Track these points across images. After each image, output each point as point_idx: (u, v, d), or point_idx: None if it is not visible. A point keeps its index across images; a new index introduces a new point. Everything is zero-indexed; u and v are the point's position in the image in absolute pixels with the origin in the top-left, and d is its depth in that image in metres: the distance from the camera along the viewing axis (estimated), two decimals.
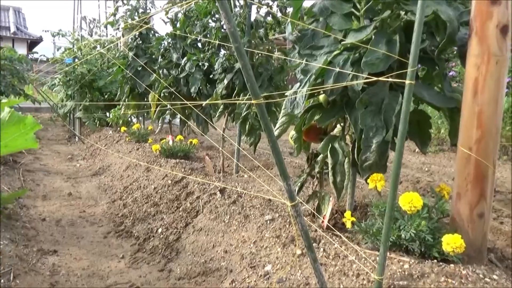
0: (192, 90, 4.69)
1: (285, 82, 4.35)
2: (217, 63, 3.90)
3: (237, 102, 3.66)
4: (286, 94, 2.19)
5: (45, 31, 8.74)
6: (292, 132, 2.35)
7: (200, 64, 4.75)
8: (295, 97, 2.03)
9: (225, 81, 3.85)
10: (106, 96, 8.31)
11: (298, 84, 2.07)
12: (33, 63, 10.25)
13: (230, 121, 4.27)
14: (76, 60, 8.25)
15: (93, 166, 5.49)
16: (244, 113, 3.68)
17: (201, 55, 4.46)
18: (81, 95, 8.02)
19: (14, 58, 7.10)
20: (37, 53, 9.53)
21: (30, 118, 0.95)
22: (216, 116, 4.19)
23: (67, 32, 8.67)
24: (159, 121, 5.60)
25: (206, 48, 4.47)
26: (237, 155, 4.20)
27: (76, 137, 8.00)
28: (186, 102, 4.29)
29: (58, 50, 8.75)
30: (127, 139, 5.95)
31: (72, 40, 8.50)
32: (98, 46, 8.58)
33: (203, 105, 4.50)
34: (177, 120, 6.98)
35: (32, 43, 20.30)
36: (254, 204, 2.67)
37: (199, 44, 5.16)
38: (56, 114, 8.83)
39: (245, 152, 3.12)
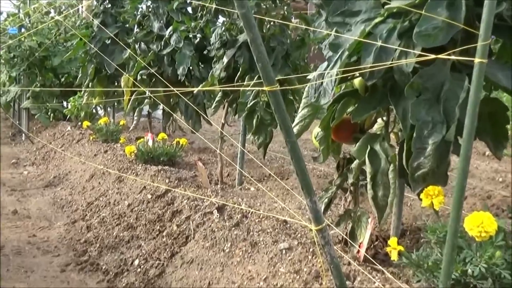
0: (180, 71, 4.72)
1: (306, 61, 4.37)
2: (213, 35, 3.92)
3: (241, 88, 3.68)
4: (308, 77, 2.19)
5: None
6: (316, 130, 2.36)
7: (190, 36, 4.78)
8: (321, 82, 2.03)
9: (225, 60, 3.87)
10: (63, 80, 8.39)
11: (325, 63, 2.07)
12: None
13: (232, 114, 4.30)
14: (23, 30, 8.34)
15: (46, 175, 5.55)
16: (251, 103, 3.70)
17: (192, 24, 4.48)
18: (29, 78, 8.11)
19: None
20: None
21: None
22: (212, 107, 4.22)
23: None
24: (135, 114, 5.65)
25: (199, 15, 4.50)
26: (240, 160, 4.22)
27: (23, 135, 8.09)
28: (171, 88, 4.32)
29: None
30: (91, 137, 6.00)
31: (17, 3, 8.59)
32: (52, 11, 8.67)
33: (195, 92, 4.53)
34: (159, 113, 7.04)
35: None
36: (265, 228, 2.68)
37: (189, 9, 5.20)
38: None
39: (251, 156, 3.14)
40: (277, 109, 1.31)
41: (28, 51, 7.85)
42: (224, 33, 3.86)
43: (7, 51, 8.00)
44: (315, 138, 2.35)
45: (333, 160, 2.63)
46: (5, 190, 4.95)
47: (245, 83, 3.74)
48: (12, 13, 8.83)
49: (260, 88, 1.35)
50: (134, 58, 5.25)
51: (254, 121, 3.73)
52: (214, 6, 4.04)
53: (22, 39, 7.95)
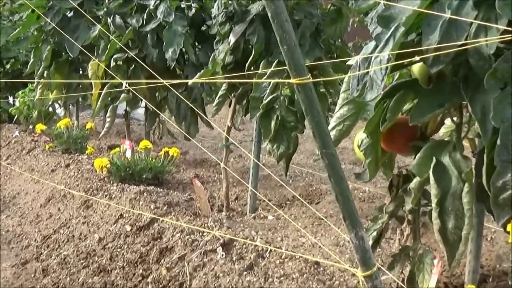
0: (169, 55, 4.75)
1: (343, 39, 4.37)
2: (216, 5, 3.96)
3: (254, 81, 3.69)
4: (348, 62, 2.19)
5: None
6: (360, 135, 2.35)
7: (183, 6, 4.81)
8: (367, 69, 2.03)
9: (232, 39, 3.89)
10: (8, 67, 8.51)
11: (372, 43, 2.07)
12: None
13: (241, 113, 4.30)
14: None
15: None
16: (268, 99, 3.71)
17: None
18: None
19: None
20: None
21: None
22: (214, 104, 4.23)
23: None
24: (107, 114, 5.68)
25: None
26: (253, 178, 4.22)
27: None
28: (157, 78, 4.34)
29: None
30: (47, 146, 6.06)
31: None
32: None
33: (189, 83, 4.56)
34: (139, 112, 7.07)
35: None
36: (289, 272, 2.68)
37: None
38: None
39: (267, 171, 3.15)
40: (310, 109, 1.32)
41: None
42: (230, 2, 3.87)
43: None
44: (359, 147, 2.34)
45: (383, 178, 2.62)
46: None
47: (259, 71, 3.75)
48: None
49: (284, 80, 1.33)
50: (106, 36, 5.29)
51: (273, 123, 3.73)
52: None
53: None
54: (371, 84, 2.01)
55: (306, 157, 8.05)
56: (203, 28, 5.26)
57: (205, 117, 5.24)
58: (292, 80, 1.33)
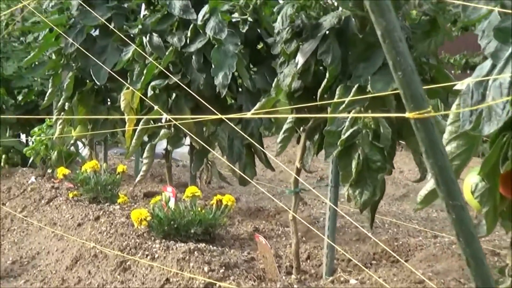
0: (219, 80, 4.79)
1: (438, 57, 4.34)
2: (279, 18, 3.99)
3: (329, 116, 3.69)
4: (457, 86, 2.19)
5: None
6: (472, 178, 2.34)
7: (237, 21, 4.87)
8: (482, 95, 2.03)
9: (299, 59, 3.91)
10: (20, 99, 8.69)
11: (488, 63, 2.07)
12: None
13: (312, 151, 4.30)
14: None
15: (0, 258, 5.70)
16: (347, 134, 3.70)
17: (241, 1, 4.59)
18: None
19: None
20: None
21: None
22: (279, 140, 4.24)
23: None
24: (144, 155, 5.76)
25: None
26: (330, 231, 4.20)
27: None
28: (206, 109, 4.39)
29: None
30: (71, 194, 6.16)
31: None
32: None
33: (248, 115, 4.59)
34: (182, 151, 7.08)
35: None
36: None
37: None
38: None
39: (349, 219, 3.15)
40: (431, 150, 1.33)
41: None
42: (297, 13, 3.91)
43: None
44: (472, 192, 2.33)
45: (501, 230, 2.59)
46: None
47: (335, 99, 3.75)
48: None
49: (400, 115, 1.32)
50: (142, 59, 5.40)
51: (354, 163, 3.71)
52: None
53: None
54: (489, 114, 2.01)
55: (387, 203, 7.98)
56: (259, 47, 5.31)
57: (265, 156, 5.27)
58: (408, 114, 1.34)
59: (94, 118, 6.64)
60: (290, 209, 4.09)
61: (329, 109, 3.87)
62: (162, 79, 5.19)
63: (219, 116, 3.57)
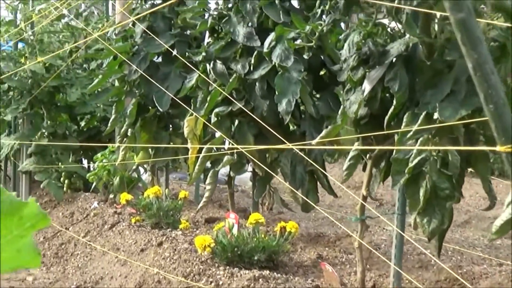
0: (283, 106, 4.80)
1: (508, 84, 4.27)
2: (346, 46, 4.00)
3: (397, 147, 3.68)
4: None
5: None
6: None
7: (301, 47, 4.90)
8: None
9: (366, 87, 3.91)
10: (83, 125, 8.82)
11: None
12: None
13: (378, 179, 4.28)
14: (23, 46, 8.90)
15: (64, 282, 5.80)
16: (415, 161, 3.69)
17: (307, 28, 4.62)
18: (32, 123, 8.65)
19: None
20: None
21: (32, 206, 1.10)
22: (345, 168, 4.24)
23: None
24: (207, 181, 5.79)
25: (317, 12, 4.62)
26: (397, 260, 4.18)
27: None
28: (269, 135, 4.41)
29: None
30: (133, 220, 6.22)
31: (15, 3, 9.18)
32: (67, 12, 9.17)
33: (313, 143, 4.59)
34: (243, 178, 7.11)
35: None
36: None
37: (294, 3, 5.36)
38: None
39: (416, 244, 3.13)
40: None
41: (30, 80, 8.34)
42: (364, 41, 3.92)
43: None
44: None
45: None
46: None
47: (403, 125, 3.74)
48: (2, 19, 9.41)
49: (491, 148, 1.32)
50: (205, 86, 5.45)
51: (422, 191, 3.69)
52: None
53: (22, 60, 8.52)
54: None
55: (449, 229, 7.82)
56: (323, 73, 5.33)
57: (327, 182, 5.27)
58: (500, 148, 1.34)
59: (156, 142, 6.71)
60: (356, 236, 4.07)
61: (395, 137, 3.85)
62: (226, 106, 5.24)
63: (288, 145, 3.58)
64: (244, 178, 8.52)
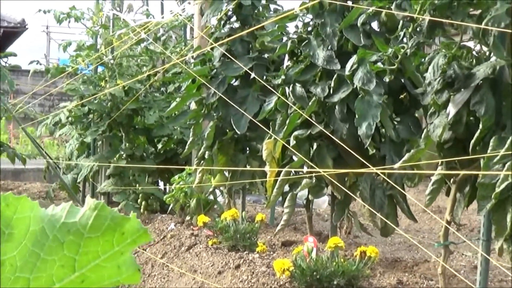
0: (363, 130, 4.77)
1: None
2: (431, 68, 3.98)
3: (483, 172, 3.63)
4: None
5: (38, 11, 9.64)
6: None
7: (380, 70, 4.90)
8: None
9: (451, 110, 3.88)
10: (160, 147, 8.94)
11: None
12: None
13: (462, 204, 4.23)
14: (102, 70, 9.12)
15: None
16: (502, 186, 3.63)
17: (389, 51, 4.61)
18: (110, 146, 8.88)
19: None
20: (15, 55, 10.14)
21: (134, 221, 1.12)
22: (428, 192, 4.21)
23: (82, 12, 9.39)
24: (286, 204, 5.79)
25: (401, 34, 4.61)
26: (482, 286, 4.11)
27: None
28: (348, 159, 4.39)
29: (63, 48, 9.64)
30: (210, 242, 6.26)
31: (96, 28, 9.41)
32: (144, 35, 9.34)
33: (395, 167, 4.57)
34: (319, 202, 7.09)
35: (7, 35, 23.32)
36: None
37: (374, 25, 5.36)
38: (57, 184, 9.74)
39: (506, 271, 3.09)
40: None
41: (110, 103, 8.55)
42: (449, 64, 3.90)
43: (78, 105, 8.70)
44: None
45: None
46: None
47: (489, 150, 3.70)
48: (83, 44, 9.55)
49: None
50: (285, 109, 5.48)
51: (509, 217, 3.64)
52: (429, 17, 4.11)
53: (101, 84, 8.74)
54: None
55: None
56: (403, 96, 5.30)
57: (407, 207, 5.22)
58: None
59: (233, 165, 6.74)
60: (440, 260, 4.03)
61: (481, 161, 3.81)
62: (305, 129, 5.23)
63: (371, 168, 3.57)
64: (318, 201, 8.51)
